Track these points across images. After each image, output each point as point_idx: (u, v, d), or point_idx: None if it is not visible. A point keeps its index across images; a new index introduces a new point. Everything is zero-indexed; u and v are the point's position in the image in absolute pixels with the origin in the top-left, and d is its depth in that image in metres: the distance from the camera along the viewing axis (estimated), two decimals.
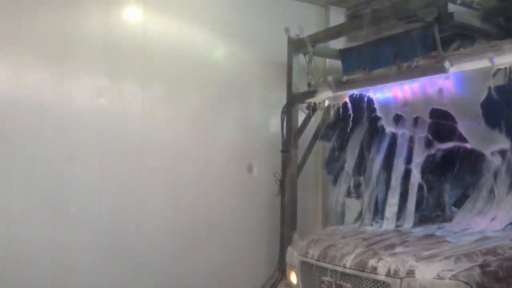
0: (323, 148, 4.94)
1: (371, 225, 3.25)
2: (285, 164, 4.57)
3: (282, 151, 4.61)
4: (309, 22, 4.99)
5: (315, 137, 4.57)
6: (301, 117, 4.58)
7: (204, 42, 4.63)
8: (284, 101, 4.64)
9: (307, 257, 2.88)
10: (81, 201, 4.01)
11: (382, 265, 2.45)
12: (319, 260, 2.78)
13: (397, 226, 3.16)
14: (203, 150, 4.59)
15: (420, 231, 2.97)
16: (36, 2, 3.86)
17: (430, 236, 2.83)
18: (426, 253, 2.46)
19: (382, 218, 3.21)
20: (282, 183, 4.57)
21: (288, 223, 4.46)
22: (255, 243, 4.78)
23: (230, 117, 4.79)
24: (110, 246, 4.08)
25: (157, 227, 4.31)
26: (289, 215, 4.48)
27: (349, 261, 2.61)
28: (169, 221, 4.38)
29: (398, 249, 2.58)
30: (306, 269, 2.93)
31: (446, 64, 3.25)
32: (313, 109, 4.42)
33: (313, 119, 4.52)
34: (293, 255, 3.06)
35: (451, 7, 3.75)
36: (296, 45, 4.54)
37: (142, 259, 4.21)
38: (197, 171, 4.55)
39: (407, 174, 3.28)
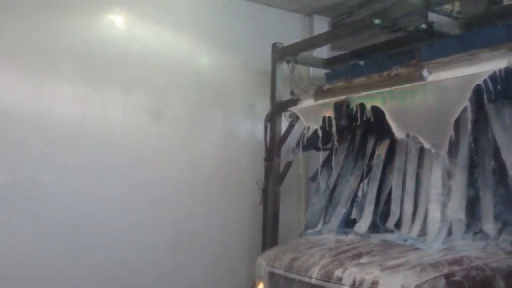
0: (306, 156, 4.92)
1: (341, 233, 3.22)
2: (268, 172, 4.55)
3: (265, 159, 4.59)
4: (293, 31, 5.03)
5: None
6: (284, 125, 4.57)
7: (188, 50, 4.64)
8: (268, 109, 4.64)
9: (274, 268, 2.84)
10: (60, 212, 3.97)
11: (347, 275, 2.41)
12: (286, 271, 2.74)
13: (367, 234, 3.13)
14: (186, 158, 4.57)
15: (386, 238, 2.93)
16: (17, 9, 3.86)
17: (398, 244, 2.79)
18: (391, 262, 2.42)
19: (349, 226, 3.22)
20: (264, 192, 4.54)
21: (270, 232, 4.42)
22: (237, 252, 4.73)
23: (214, 125, 4.78)
24: (87, 256, 4.04)
25: (137, 236, 4.27)
26: (271, 224, 4.44)
27: (315, 271, 2.56)
28: (150, 230, 4.34)
29: (364, 259, 2.53)
30: (274, 280, 2.89)
31: (425, 72, 3.23)
32: (296, 117, 4.41)
33: (296, 127, 4.50)
34: (261, 265, 3.02)
35: (432, 17, 3.77)
36: (280, 54, 4.55)
37: (121, 266, 4.18)
38: (179, 179, 4.52)
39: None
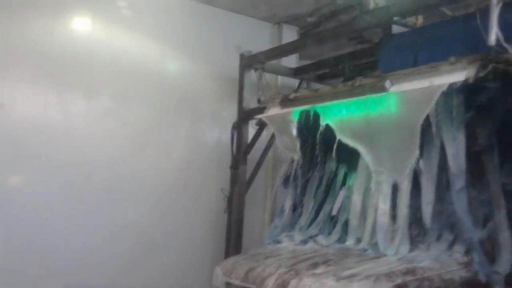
0: (273, 165, 4.91)
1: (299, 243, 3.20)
2: (234, 180, 4.50)
3: (231, 167, 4.55)
4: (262, 39, 5.03)
5: (265, 153, 4.54)
6: (251, 133, 4.54)
7: (155, 55, 4.57)
8: (235, 116, 4.61)
9: (231, 278, 2.80)
10: (14, 216, 3.83)
11: (302, 286, 2.39)
12: (243, 281, 2.70)
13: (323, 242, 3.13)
14: (149, 165, 4.49)
15: (343, 247, 2.94)
16: None
17: (354, 253, 2.79)
18: (346, 272, 2.41)
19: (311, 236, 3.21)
20: (229, 200, 4.49)
21: (233, 241, 4.37)
22: (200, 261, 4.65)
23: (180, 132, 4.71)
24: (39, 264, 3.90)
25: (94, 244, 4.14)
26: (235, 232, 4.38)
27: (271, 282, 2.53)
28: (109, 238, 4.22)
29: (319, 269, 2.52)
30: None
31: (387, 83, 3.26)
32: (263, 125, 4.40)
33: (264, 134, 4.48)
34: (218, 276, 2.97)
35: (396, 29, 3.84)
36: (248, 61, 4.54)
37: (76, 275, 4.04)
38: (142, 187, 4.43)
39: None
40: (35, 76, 4.00)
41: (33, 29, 3.98)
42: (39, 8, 4.02)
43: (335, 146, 3.30)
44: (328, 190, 3.56)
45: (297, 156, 3.74)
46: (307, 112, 3.71)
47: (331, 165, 3.53)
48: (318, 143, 3.53)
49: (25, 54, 3.95)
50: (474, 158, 2.62)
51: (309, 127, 3.66)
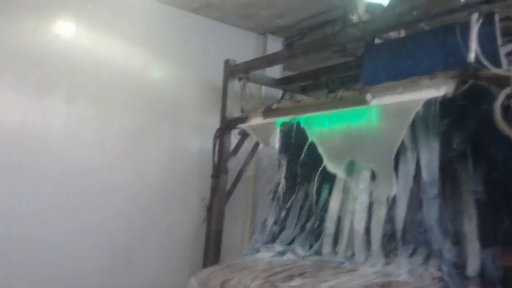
0: (254, 175, 4.87)
1: (277, 255, 3.16)
2: (214, 190, 4.45)
3: (212, 176, 4.50)
4: (246, 49, 5.04)
5: (246, 163, 4.52)
6: (234, 142, 4.51)
7: (139, 63, 4.52)
8: (218, 125, 4.58)
9: None
10: None
11: None
12: None
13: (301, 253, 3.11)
14: (129, 171, 4.41)
15: (320, 259, 2.91)
16: None
17: (331, 265, 2.76)
18: (323, 285, 2.38)
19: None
20: (209, 210, 4.43)
21: (212, 251, 4.30)
22: (177, 271, 4.56)
23: (161, 140, 4.65)
24: (12, 273, 3.79)
25: (69, 251, 4.04)
26: (213, 243, 4.32)
27: None
28: (90, 250, 4.14)
29: (295, 281, 2.48)
30: None
31: (368, 96, 3.28)
32: (245, 135, 4.38)
33: (245, 144, 4.46)
34: (193, 286, 2.92)
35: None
36: (232, 70, 4.53)
37: (50, 285, 3.92)
38: (122, 196, 4.35)
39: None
40: (15, 79, 3.90)
41: (14, 32, 3.91)
42: (19, 11, 3.95)
43: (320, 169, 3.28)
44: (312, 208, 3.54)
45: (281, 173, 3.73)
46: (290, 126, 3.71)
47: (315, 183, 3.51)
48: (300, 164, 3.52)
49: (5, 57, 3.86)
50: (447, 167, 2.63)
51: (292, 144, 3.64)
